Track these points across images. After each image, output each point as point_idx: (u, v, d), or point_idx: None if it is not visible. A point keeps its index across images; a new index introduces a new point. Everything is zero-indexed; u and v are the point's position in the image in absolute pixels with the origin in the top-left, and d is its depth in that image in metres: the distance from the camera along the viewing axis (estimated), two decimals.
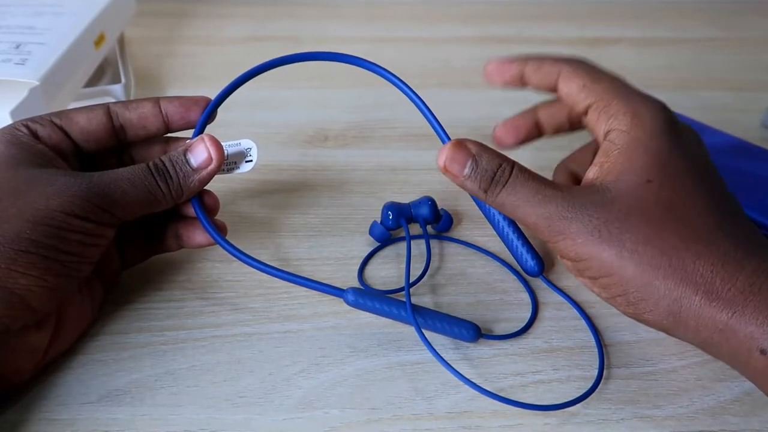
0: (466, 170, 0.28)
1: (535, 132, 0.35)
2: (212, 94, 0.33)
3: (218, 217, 0.34)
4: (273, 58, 0.34)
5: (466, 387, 0.28)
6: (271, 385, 0.29)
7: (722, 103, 0.50)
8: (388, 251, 0.37)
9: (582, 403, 0.28)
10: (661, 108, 0.29)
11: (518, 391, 0.29)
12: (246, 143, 0.33)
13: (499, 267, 0.36)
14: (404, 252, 0.36)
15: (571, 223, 0.27)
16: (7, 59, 0.41)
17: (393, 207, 0.36)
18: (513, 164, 0.29)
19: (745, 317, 0.25)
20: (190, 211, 0.32)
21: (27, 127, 0.30)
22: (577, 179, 0.35)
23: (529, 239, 0.34)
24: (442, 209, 0.38)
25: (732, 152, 0.43)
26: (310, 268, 0.35)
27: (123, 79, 0.49)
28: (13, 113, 0.37)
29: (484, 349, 0.31)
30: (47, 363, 0.29)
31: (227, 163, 0.33)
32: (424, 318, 0.30)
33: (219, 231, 0.31)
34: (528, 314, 0.33)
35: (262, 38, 0.61)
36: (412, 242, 0.37)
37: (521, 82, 0.34)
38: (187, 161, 0.30)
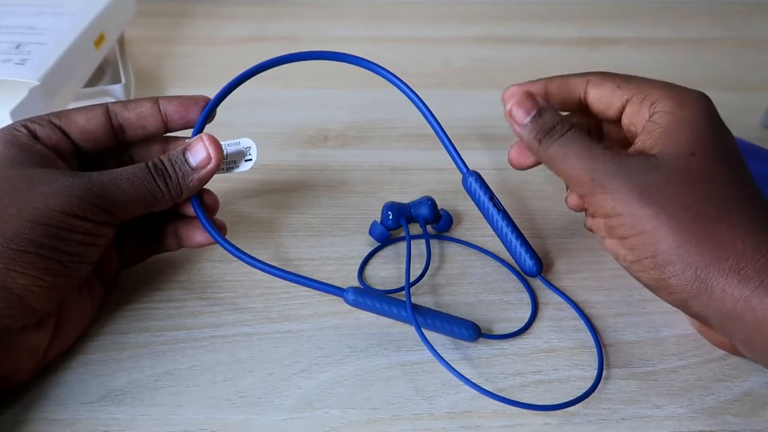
0: (528, 119, 0.30)
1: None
2: (212, 94, 0.33)
3: (218, 216, 0.34)
4: (272, 58, 0.34)
5: (466, 387, 0.28)
6: (271, 385, 0.29)
7: (722, 103, 0.50)
8: (388, 251, 0.37)
9: (582, 403, 0.28)
10: (703, 96, 0.30)
11: (518, 391, 0.29)
12: (245, 142, 0.33)
13: (499, 267, 0.36)
14: (404, 252, 0.36)
15: (614, 179, 0.28)
16: (7, 59, 0.41)
17: (393, 207, 0.36)
18: (572, 124, 0.30)
19: None
20: (190, 210, 0.32)
21: (26, 127, 0.30)
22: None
23: (527, 239, 0.34)
24: (442, 209, 0.38)
25: None
26: (310, 268, 0.35)
27: (123, 79, 0.49)
28: (13, 113, 0.37)
29: (484, 348, 0.31)
30: (47, 363, 0.29)
31: (226, 162, 0.33)
32: (423, 317, 0.30)
33: (219, 230, 0.31)
34: (528, 314, 0.33)
35: (262, 38, 0.61)
36: (412, 242, 0.37)
37: (546, 98, 0.34)
38: (186, 160, 0.30)
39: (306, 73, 0.48)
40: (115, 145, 0.32)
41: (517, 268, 0.35)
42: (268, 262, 0.30)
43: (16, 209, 0.26)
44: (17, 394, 0.28)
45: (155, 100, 0.32)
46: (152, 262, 0.35)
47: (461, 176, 0.34)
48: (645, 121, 0.30)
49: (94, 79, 0.50)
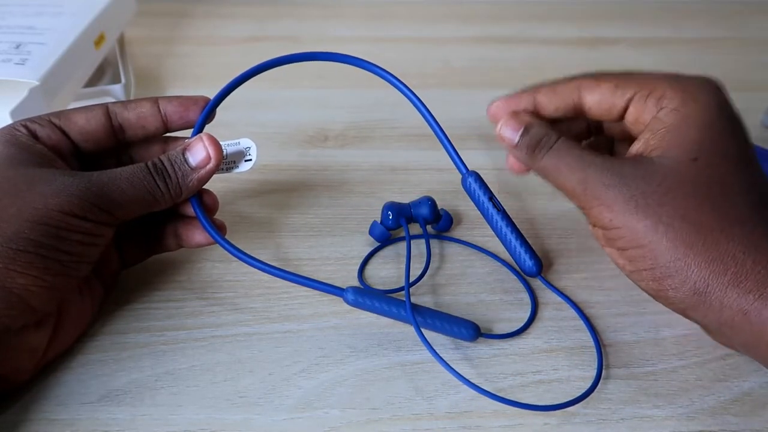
0: (517, 137, 0.30)
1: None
2: (212, 94, 0.33)
3: (218, 216, 0.34)
4: (272, 58, 0.34)
5: (466, 387, 0.28)
6: (271, 385, 0.29)
7: None
8: (388, 251, 0.37)
9: (582, 403, 0.28)
10: (714, 87, 0.29)
11: (518, 391, 0.29)
12: (245, 143, 0.33)
13: (499, 267, 0.36)
14: (404, 252, 0.36)
15: (609, 190, 0.27)
16: (7, 59, 0.41)
17: (393, 207, 0.36)
18: (559, 135, 0.30)
19: None
20: (190, 210, 0.32)
21: (26, 127, 0.30)
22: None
23: (527, 240, 0.34)
24: (442, 209, 0.38)
25: None
26: (310, 268, 0.35)
27: (123, 79, 0.49)
28: (13, 113, 0.37)
29: (484, 348, 0.31)
30: (47, 363, 0.29)
31: (226, 162, 0.33)
32: (423, 317, 0.30)
33: (218, 230, 0.31)
34: (528, 314, 0.33)
35: (262, 38, 0.61)
36: (412, 242, 0.37)
37: (535, 113, 0.32)
38: (186, 160, 0.30)
39: (306, 74, 0.48)
40: (114, 145, 0.32)
41: (517, 268, 0.35)
42: (268, 262, 0.30)
43: (15, 209, 0.26)
44: (17, 394, 0.28)
45: (155, 101, 0.32)
46: (152, 262, 0.35)
47: (461, 176, 0.34)
48: (652, 117, 0.29)
49: (94, 79, 0.50)
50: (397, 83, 0.34)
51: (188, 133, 0.33)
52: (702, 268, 0.26)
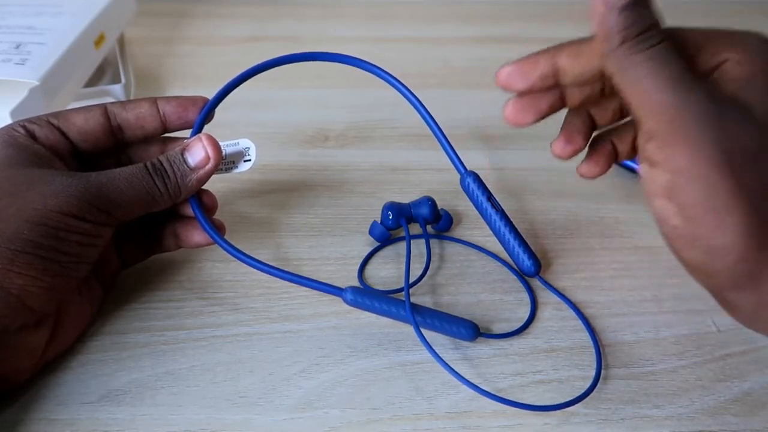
0: (623, 1, 0.23)
1: (558, 104, 0.29)
2: (212, 94, 0.33)
3: (217, 216, 0.34)
4: (272, 58, 0.34)
5: (466, 387, 0.28)
6: (271, 385, 0.29)
7: None
8: (388, 251, 0.37)
9: (581, 403, 0.28)
10: (763, 38, 0.25)
11: (518, 391, 0.29)
12: (244, 143, 0.33)
13: (498, 267, 0.36)
14: (404, 252, 0.36)
15: (704, 131, 0.22)
16: (7, 59, 0.41)
17: (393, 207, 0.36)
18: (665, 35, 0.24)
19: None
20: (189, 210, 0.32)
21: (24, 127, 0.30)
22: (615, 156, 0.31)
23: (525, 239, 0.34)
24: (442, 209, 0.38)
25: None
26: (310, 268, 0.35)
27: (123, 79, 0.49)
28: (13, 113, 0.37)
29: (483, 349, 0.31)
30: (46, 363, 0.29)
31: (225, 162, 0.33)
32: (423, 317, 0.30)
33: (217, 230, 0.31)
34: (527, 314, 0.33)
35: (262, 38, 0.61)
36: (412, 242, 0.37)
37: (554, 80, 0.27)
38: (185, 161, 0.30)
39: (306, 73, 0.48)
40: (113, 146, 0.32)
41: (517, 268, 0.35)
42: (268, 262, 0.30)
43: (14, 210, 0.26)
44: (17, 394, 0.28)
45: (154, 101, 0.32)
46: (152, 262, 0.35)
47: (460, 176, 0.34)
48: (710, 70, 0.25)
49: (94, 79, 0.50)
50: (395, 83, 0.34)
51: (187, 133, 0.33)
52: (764, 248, 0.23)
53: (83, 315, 0.30)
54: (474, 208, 0.35)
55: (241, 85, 0.34)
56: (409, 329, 0.32)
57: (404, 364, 0.30)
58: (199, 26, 0.63)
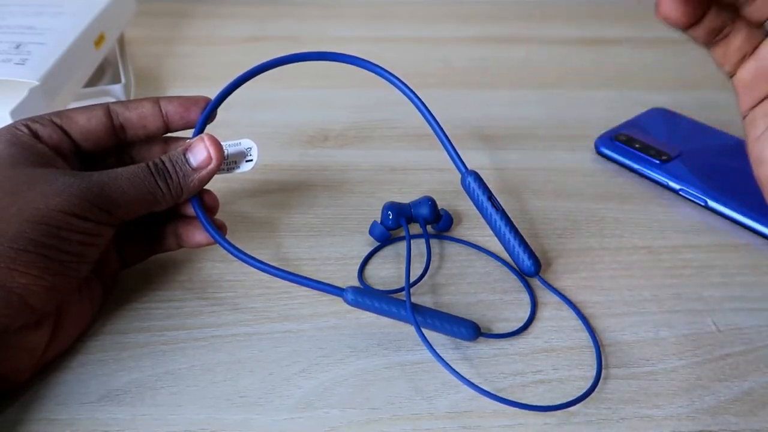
0: None
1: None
2: (212, 94, 0.33)
3: (218, 216, 0.34)
4: (273, 58, 0.35)
5: (466, 387, 0.28)
6: (271, 385, 0.29)
7: (722, 103, 0.50)
8: (388, 251, 0.37)
9: (582, 403, 0.28)
10: None
11: (518, 391, 0.29)
12: (246, 143, 0.33)
13: (499, 267, 0.36)
14: (404, 252, 0.36)
15: None
16: (7, 59, 0.41)
17: (393, 207, 0.36)
18: None
19: None
20: (190, 210, 0.32)
21: (27, 126, 0.30)
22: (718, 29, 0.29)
23: (525, 239, 0.34)
24: (442, 209, 0.38)
25: (732, 152, 0.43)
26: (310, 268, 0.35)
27: (123, 79, 0.49)
28: (13, 113, 0.37)
29: (484, 348, 0.31)
30: (46, 362, 0.29)
31: (227, 162, 0.33)
32: (423, 317, 0.30)
33: (219, 230, 0.31)
34: (528, 314, 0.33)
35: (262, 38, 0.61)
36: (412, 242, 0.37)
37: (720, 20, 0.27)
38: (187, 161, 0.30)
39: (306, 74, 0.48)
40: (115, 145, 0.32)
41: (517, 268, 0.35)
42: (268, 262, 0.30)
43: (16, 209, 0.26)
44: (17, 393, 0.28)
45: (156, 100, 0.32)
46: (152, 262, 0.35)
47: (460, 176, 0.34)
48: None
49: (94, 79, 0.50)
50: (397, 82, 0.34)
51: (189, 133, 0.33)
52: None
53: (83, 315, 0.30)
54: (474, 208, 0.35)
55: (242, 85, 0.34)
56: (409, 329, 0.32)
57: (404, 364, 0.30)
58: (199, 26, 0.63)
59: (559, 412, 0.28)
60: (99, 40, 0.47)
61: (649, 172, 0.42)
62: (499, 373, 0.30)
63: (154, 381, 0.29)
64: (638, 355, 0.31)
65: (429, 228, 0.38)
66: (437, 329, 0.30)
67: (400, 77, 0.34)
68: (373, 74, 0.35)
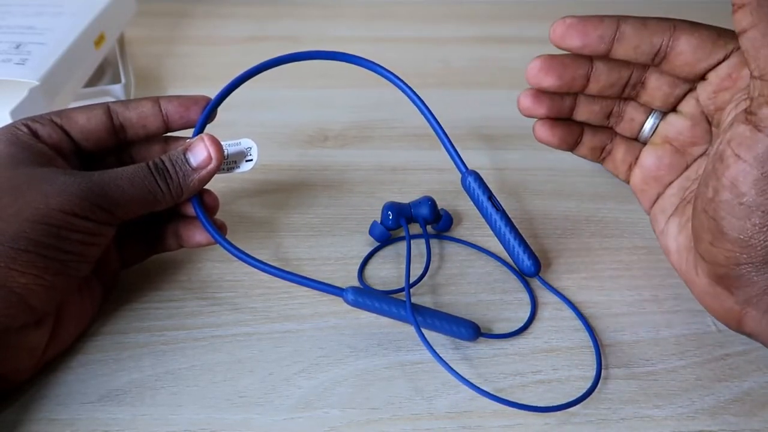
0: None
1: (580, 82, 0.31)
2: (212, 94, 0.33)
3: (218, 216, 0.34)
4: (273, 58, 0.34)
5: (466, 387, 0.28)
6: (271, 385, 0.29)
7: None
8: (388, 251, 0.37)
9: (582, 403, 0.28)
10: None
11: (518, 391, 0.29)
12: (246, 143, 0.33)
13: (499, 267, 0.36)
14: (404, 252, 0.36)
15: None
16: (7, 59, 0.41)
17: (393, 207, 0.36)
18: None
19: None
20: (190, 210, 0.32)
21: (27, 126, 0.30)
22: (576, 139, 0.34)
23: (525, 239, 0.34)
24: (442, 209, 0.38)
25: None
26: (310, 268, 0.35)
27: (123, 79, 0.49)
28: (13, 113, 0.37)
29: (484, 349, 0.31)
30: (46, 362, 0.29)
31: (227, 162, 0.33)
32: (423, 317, 0.30)
33: (219, 230, 0.31)
34: (528, 314, 0.33)
35: (262, 38, 0.61)
36: (412, 242, 0.37)
37: (608, 46, 0.28)
38: (187, 160, 0.30)
39: (306, 73, 0.48)
40: (115, 145, 0.32)
41: (517, 268, 0.35)
42: (268, 262, 0.30)
43: (16, 208, 0.26)
44: (17, 393, 0.28)
45: (156, 100, 0.32)
46: (152, 262, 0.35)
47: (460, 176, 0.34)
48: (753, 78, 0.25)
49: (94, 79, 0.50)
50: (398, 82, 0.34)
51: (189, 132, 0.33)
52: None
53: (84, 314, 0.30)
54: (474, 208, 0.35)
55: (242, 85, 0.34)
56: (409, 329, 0.32)
57: (404, 364, 0.30)
58: (199, 26, 0.63)
59: (559, 413, 0.28)
60: (99, 40, 0.47)
61: None
62: (499, 373, 0.30)
63: (154, 381, 0.29)
64: (638, 355, 0.31)
65: (429, 228, 0.38)
66: (437, 329, 0.30)
67: (399, 77, 0.34)
68: (373, 74, 0.35)
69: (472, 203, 0.34)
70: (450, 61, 0.58)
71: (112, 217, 0.28)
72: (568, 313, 0.33)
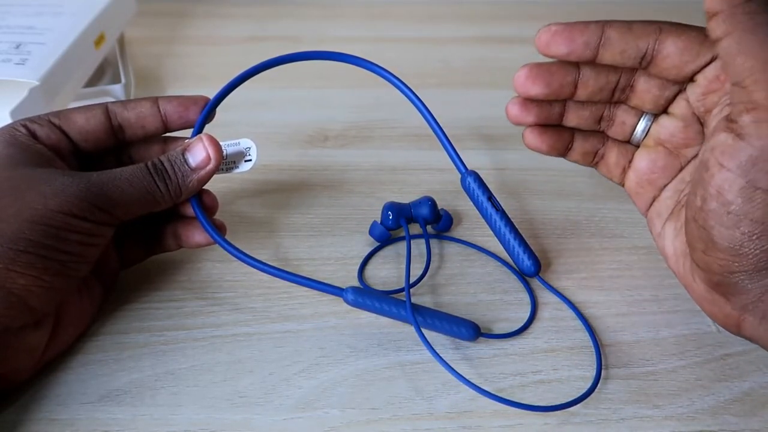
0: None
1: (568, 89, 0.30)
2: (212, 94, 0.33)
3: (218, 216, 0.34)
4: (272, 58, 0.34)
5: (466, 387, 0.28)
6: (271, 385, 0.29)
7: None
8: (388, 251, 0.37)
9: (582, 403, 0.28)
10: None
11: (518, 391, 0.29)
12: (245, 143, 0.33)
13: (498, 267, 0.36)
14: (404, 252, 0.36)
15: None
16: (7, 59, 0.41)
17: (393, 207, 0.36)
18: None
19: None
20: (189, 210, 0.32)
21: (25, 126, 0.30)
22: (567, 145, 0.33)
23: (525, 239, 0.34)
24: (442, 209, 0.38)
25: None
26: (310, 268, 0.35)
27: (123, 79, 0.49)
28: (13, 113, 0.37)
29: (484, 349, 0.31)
30: (46, 362, 0.29)
31: (226, 162, 0.33)
32: (423, 317, 0.30)
33: (218, 230, 0.31)
34: (528, 314, 0.33)
35: (262, 38, 0.61)
36: (412, 242, 0.37)
37: (594, 51, 0.28)
38: (186, 161, 0.30)
39: (306, 73, 0.48)
40: (114, 145, 0.32)
41: (517, 268, 0.35)
42: (268, 262, 0.30)
43: (15, 209, 0.26)
44: (17, 393, 0.28)
45: (155, 100, 0.32)
46: (152, 262, 0.35)
47: (460, 176, 0.34)
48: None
49: (94, 79, 0.50)
50: (397, 82, 0.34)
51: (188, 132, 0.33)
52: None
53: (83, 315, 0.30)
54: (474, 208, 0.35)
55: (242, 85, 0.34)
56: (409, 329, 0.32)
57: (404, 364, 0.30)
58: (199, 26, 0.63)
59: (559, 412, 0.28)
60: (99, 40, 0.47)
61: None
62: (499, 373, 0.30)
63: (154, 381, 0.29)
64: (638, 355, 0.31)
65: (429, 228, 0.38)
66: (437, 329, 0.30)
67: (399, 77, 0.34)
68: (372, 74, 0.35)
69: (472, 203, 0.34)
70: (450, 61, 0.58)
71: (111, 218, 0.28)
72: (568, 313, 0.33)
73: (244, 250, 0.31)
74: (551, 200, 0.41)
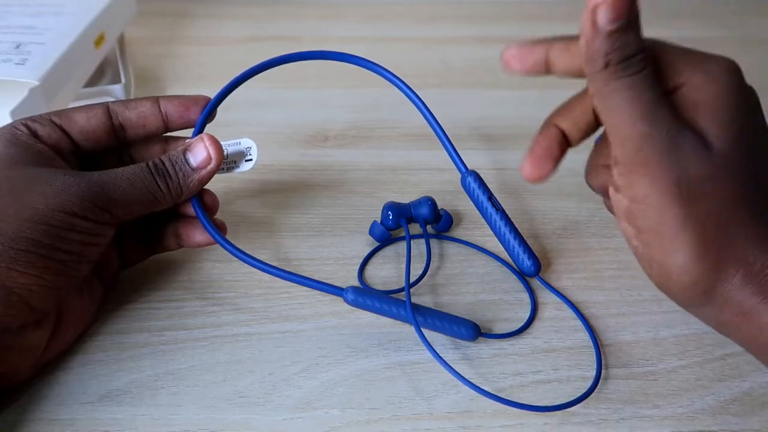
0: (613, 26, 0.23)
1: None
2: (212, 94, 0.33)
3: (218, 216, 0.34)
4: (272, 58, 0.34)
5: (466, 387, 0.28)
6: (271, 385, 0.29)
7: None
8: (388, 251, 0.37)
9: (582, 403, 0.28)
10: (732, 67, 0.25)
11: (518, 391, 0.29)
12: (246, 142, 0.33)
13: (498, 267, 0.36)
14: (404, 252, 0.36)
15: (662, 162, 0.24)
16: (7, 59, 0.41)
17: (393, 207, 0.36)
18: (648, 62, 0.24)
19: None
20: (190, 210, 0.32)
21: (26, 126, 0.30)
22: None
23: (525, 239, 0.34)
24: (442, 209, 0.38)
25: None
26: (310, 268, 0.35)
27: (123, 79, 0.49)
28: (13, 113, 0.37)
29: (484, 348, 0.31)
30: (46, 362, 0.29)
31: (227, 162, 0.33)
32: (423, 317, 0.30)
33: (219, 230, 0.31)
34: (528, 314, 0.33)
35: (262, 38, 0.61)
36: (412, 242, 0.37)
37: (545, 68, 0.28)
38: (187, 161, 0.30)
39: (306, 73, 0.48)
40: (115, 145, 0.32)
41: (517, 268, 0.35)
42: (268, 262, 0.30)
43: (16, 209, 0.26)
44: (17, 393, 0.28)
45: (155, 100, 0.32)
46: (152, 262, 0.35)
47: (460, 176, 0.34)
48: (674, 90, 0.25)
49: (94, 79, 0.50)
50: (397, 82, 0.34)
51: (189, 132, 0.33)
52: (714, 270, 0.25)
53: (84, 314, 0.30)
54: (474, 208, 0.35)
55: (242, 85, 0.34)
56: (408, 329, 0.32)
57: (404, 364, 0.30)
58: (199, 26, 0.63)
59: (559, 412, 0.28)
60: (99, 40, 0.47)
61: None
62: (499, 373, 0.30)
63: (154, 381, 0.29)
64: (638, 355, 0.31)
65: (429, 228, 0.38)
66: (437, 329, 0.30)
67: (399, 77, 0.34)
68: (372, 74, 0.35)
69: (472, 203, 0.34)
70: (450, 61, 0.58)
71: (112, 217, 0.28)
72: (568, 313, 0.33)
73: (245, 250, 0.31)
74: (551, 200, 0.41)
